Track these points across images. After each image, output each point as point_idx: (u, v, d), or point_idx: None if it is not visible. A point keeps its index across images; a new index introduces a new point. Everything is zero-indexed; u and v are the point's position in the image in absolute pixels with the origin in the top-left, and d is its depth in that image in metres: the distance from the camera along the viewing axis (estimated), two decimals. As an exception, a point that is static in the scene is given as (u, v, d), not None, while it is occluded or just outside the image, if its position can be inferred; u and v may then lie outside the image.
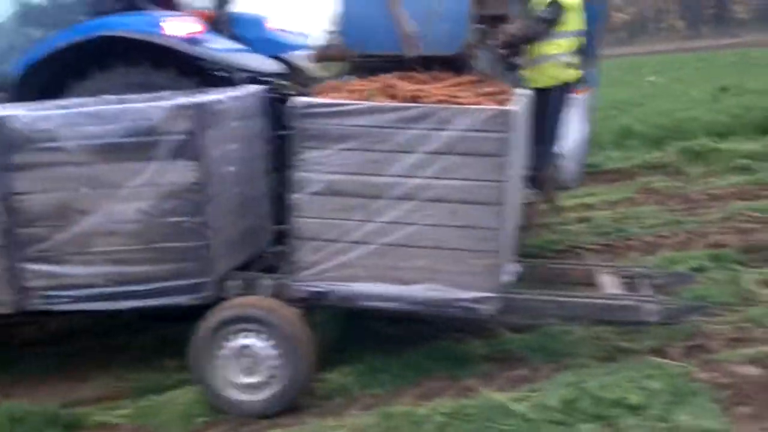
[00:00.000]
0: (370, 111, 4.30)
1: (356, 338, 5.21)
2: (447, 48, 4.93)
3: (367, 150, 4.30)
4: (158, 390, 4.92)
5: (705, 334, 4.97)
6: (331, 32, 5.11)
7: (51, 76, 5.59)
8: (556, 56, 6.17)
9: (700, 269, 6.13)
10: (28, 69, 5.61)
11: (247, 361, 4.44)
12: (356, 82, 4.74)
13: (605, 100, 14.68)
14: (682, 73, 20.42)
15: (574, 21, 6.30)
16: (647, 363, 4.41)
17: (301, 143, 4.37)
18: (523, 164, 5.14)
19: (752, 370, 4.31)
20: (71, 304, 4.66)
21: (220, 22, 6.29)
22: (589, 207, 8.71)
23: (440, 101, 4.36)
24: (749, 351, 4.54)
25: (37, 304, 4.66)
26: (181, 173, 4.45)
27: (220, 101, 4.68)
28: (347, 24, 5.03)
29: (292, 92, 6.26)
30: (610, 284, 5.00)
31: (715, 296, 5.56)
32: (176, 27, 5.53)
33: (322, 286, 4.50)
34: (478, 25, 5.53)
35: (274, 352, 4.40)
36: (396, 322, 5.30)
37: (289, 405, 4.46)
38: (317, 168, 4.36)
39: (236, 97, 4.91)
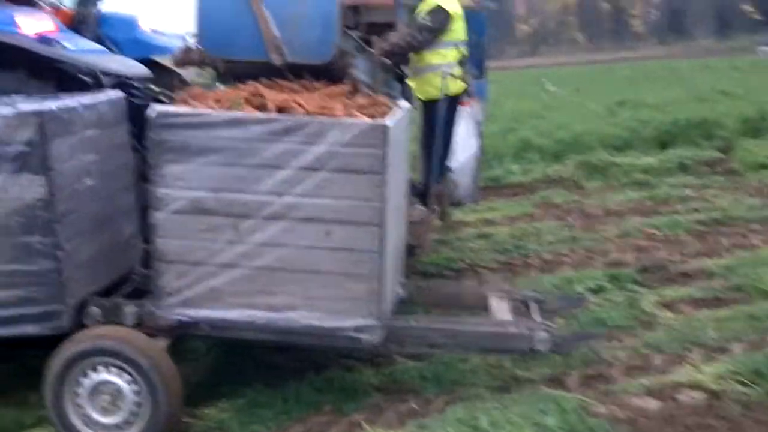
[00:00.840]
0: (235, 123, 3.89)
1: (237, 368, 4.78)
2: (315, 56, 4.51)
3: (233, 165, 3.89)
4: (16, 429, 4.42)
5: (603, 360, 4.74)
6: (194, 34, 4.65)
7: None
8: (440, 66, 5.87)
9: (598, 290, 5.98)
10: None
11: (106, 399, 3.98)
12: (222, 90, 4.31)
13: (505, 112, 14.69)
14: (582, 86, 20.62)
15: (458, 30, 6.05)
16: (542, 396, 4.11)
17: (160, 156, 3.93)
18: (406, 181, 4.80)
19: (650, 403, 4.07)
20: None
21: (84, 21, 5.78)
22: (489, 222, 8.49)
23: (310, 113, 3.98)
24: (647, 381, 4.32)
25: None
26: (26, 188, 3.94)
27: (71, 108, 4.16)
28: (205, 26, 4.55)
29: (162, 98, 5.82)
30: (501, 309, 4.71)
31: (613, 319, 5.39)
32: (28, 24, 4.98)
33: (189, 314, 4.07)
34: (354, 33, 5.17)
35: (133, 387, 3.95)
36: (282, 350, 4.89)
37: (154, 446, 4.00)
38: (178, 184, 3.93)
39: (92, 104, 4.38)
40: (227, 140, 3.88)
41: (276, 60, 4.43)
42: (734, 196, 9.02)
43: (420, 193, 6.05)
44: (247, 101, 4.08)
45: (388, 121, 3.95)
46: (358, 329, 4.00)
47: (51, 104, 4.07)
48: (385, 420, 4.12)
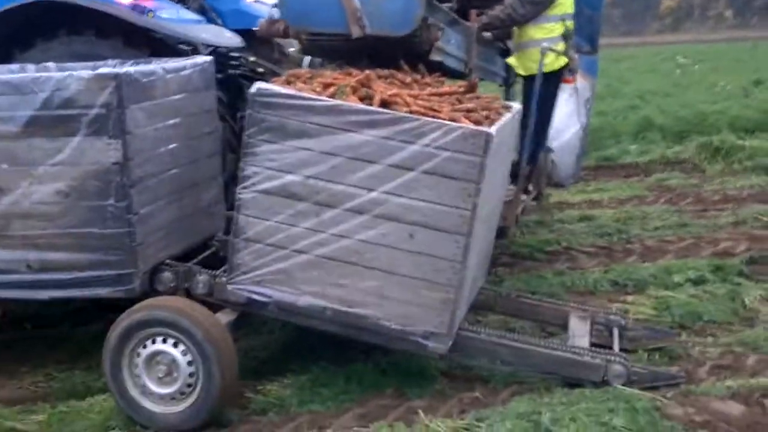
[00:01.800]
0: (335, 111, 3.79)
1: (308, 345, 4.69)
2: (396, 27, 4.36)
3: (327, 153, 3.80)
4: (83, 393, 4.47)
5: (690, 357, 4.46)
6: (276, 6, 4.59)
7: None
8: (543, 41, 5.56)
9: (699, 281, 5.59)
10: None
11: (162, 369, 3.99)
12: (332, 74, 4.19)
13: (631, 89, 14.09)
14: (720, 64, 19.56)
15: (565, 3, 5.71)
16: (614, 393, 3.84)
17: (255, 133, 3.86)
18: (504, 185, 4.63)
19: (733, 407, 3.73)
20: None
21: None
22: (594, 204, 8.15)
23: (414, 111, 3.83)
24: (734, 383, 3.98)
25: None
26: (102, 152, 3.97)
27: (151, 72, 4.16)
28: None
29: (257, 69, 5.82)
30: (579, 332, 4.46)
31: (710, 313, 5.05)
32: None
33: (259, 293, 4.02)
34: (447, 5, 4.97)
35: (189, 359, 3.94)
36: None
37: (209, 418, 3.99)
38: (269, 164, 3.87)
39: (177, 69, 4.38)
40: (325, 128, 3.78)
41: (356, 32, 4.31)
42: None
43: (512, 171, 5.83)
44: (354, 90, 3.95)
45: (492, 128, 3.77)
46: (426, 336, 3.90)
47: (130, 68, 4.09)
48: (445, 408, 3.96)
